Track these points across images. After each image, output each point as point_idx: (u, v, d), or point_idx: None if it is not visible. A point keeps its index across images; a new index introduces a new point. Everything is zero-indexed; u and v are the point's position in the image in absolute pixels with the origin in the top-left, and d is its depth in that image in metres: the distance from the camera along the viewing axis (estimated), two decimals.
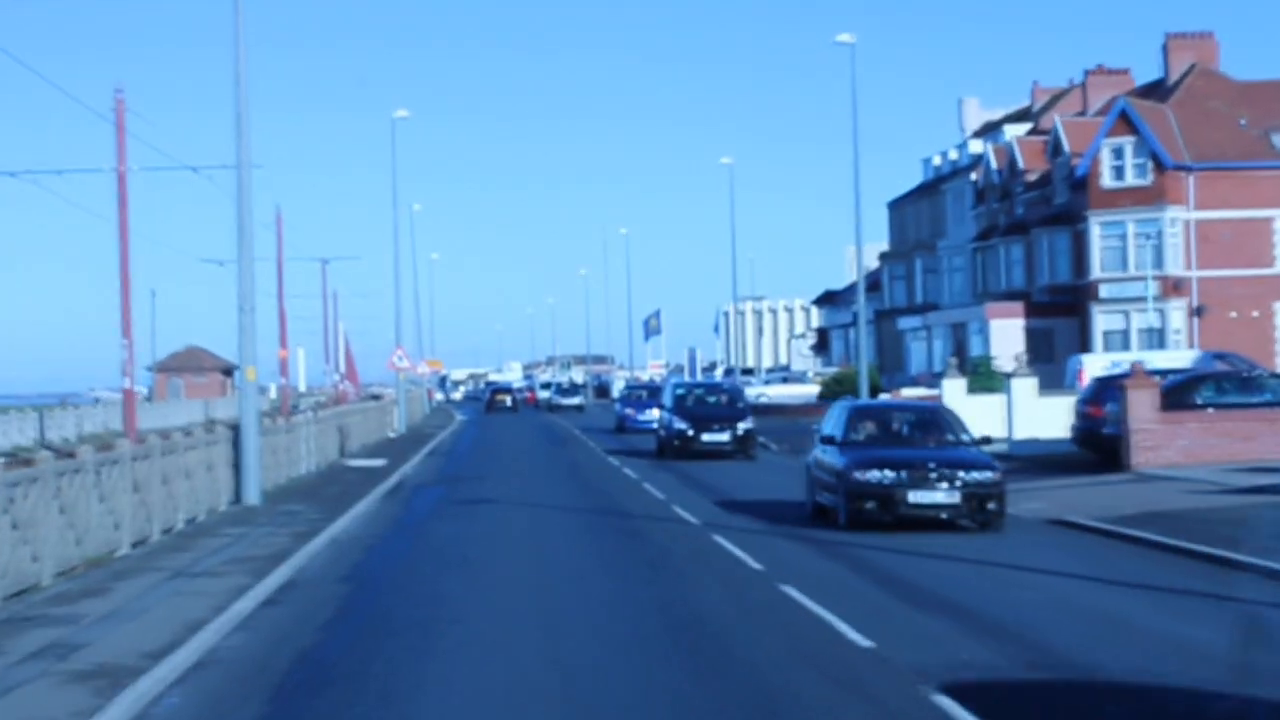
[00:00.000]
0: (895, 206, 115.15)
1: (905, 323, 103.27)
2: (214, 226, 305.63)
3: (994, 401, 52.76)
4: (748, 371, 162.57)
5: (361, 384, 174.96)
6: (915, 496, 26.13)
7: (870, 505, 26.35)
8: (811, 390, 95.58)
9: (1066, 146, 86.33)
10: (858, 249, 62.19)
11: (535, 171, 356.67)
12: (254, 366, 34.12)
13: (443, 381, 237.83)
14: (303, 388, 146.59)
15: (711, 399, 52.77)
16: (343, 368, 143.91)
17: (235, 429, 33.89)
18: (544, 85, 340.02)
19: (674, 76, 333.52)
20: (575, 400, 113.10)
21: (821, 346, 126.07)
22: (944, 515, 26.16)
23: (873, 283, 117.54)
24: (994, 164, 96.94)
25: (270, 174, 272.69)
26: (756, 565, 22.58)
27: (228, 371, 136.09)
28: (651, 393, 70.69)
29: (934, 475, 26.18)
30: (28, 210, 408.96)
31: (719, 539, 26.26)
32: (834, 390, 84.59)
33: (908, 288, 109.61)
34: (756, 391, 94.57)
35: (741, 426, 50.46)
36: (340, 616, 19.13)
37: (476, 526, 30.05)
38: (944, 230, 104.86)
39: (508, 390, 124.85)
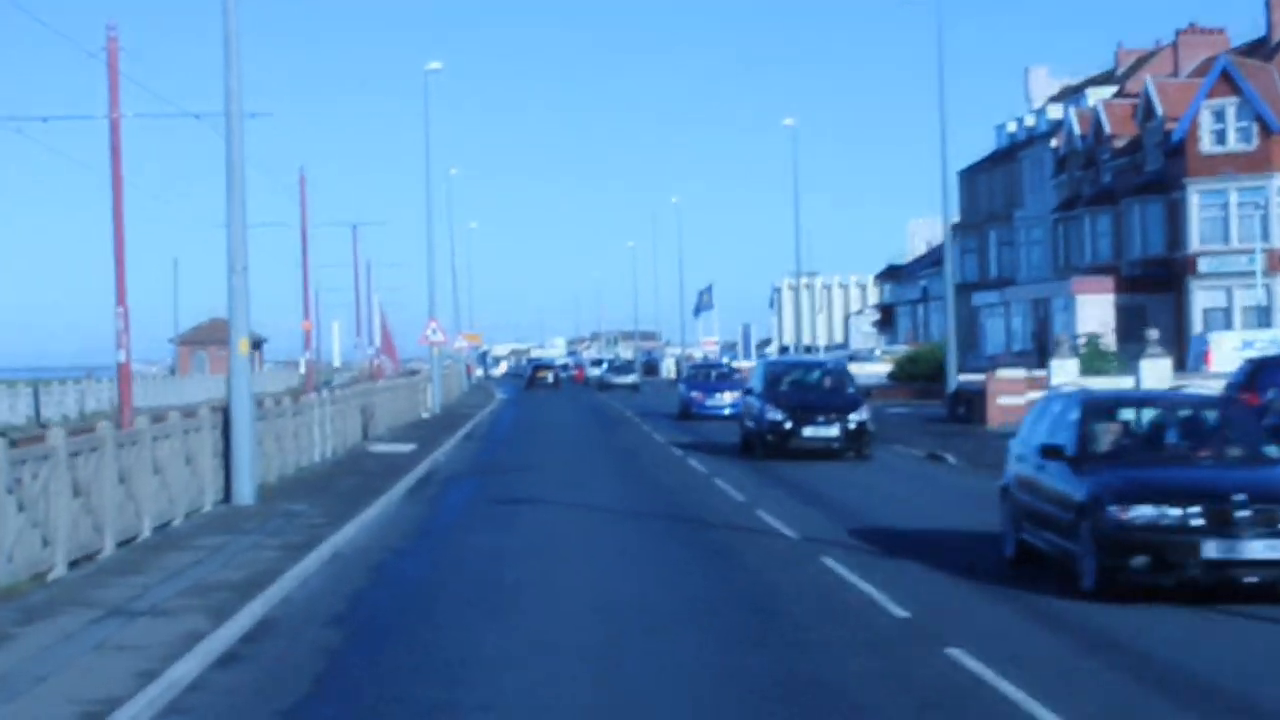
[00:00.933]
0: (966, 176, 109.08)
1: (980, 298, 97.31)
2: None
3: (1110, 386, 46.83)
4: (807, 349, 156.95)
5: (400, 360, 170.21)
6: (1218, 550, 16.90)
7: (1141, 561, 17.05)
8: (880, 370, 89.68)
9: (1160, 109, 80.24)
10: (944, 216, 56.33)
11: (582, 138, 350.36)
12: (246, 338, 28.63)
13: (483, 357, 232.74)
14: (337, 363, 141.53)
15: (814, 383, 43.21)
16: (378, 342, 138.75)
17: (225, 412, 28.30)
18: (591, 43, 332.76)
19: (728, 36, 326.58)
20: (629, 379, 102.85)
21: (885, 323, 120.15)
22: (1266, 577, 17.07)
23: (940, 257, 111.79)
24: (1077, 129, 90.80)
25: (295, 133, 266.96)
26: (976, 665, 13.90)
27: (256, 344, 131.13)
28: (722, 374, 63.43)
29: (1247, 514, 16.99)
30: (30, 164, 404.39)
31: (866, 589, 18.38)
32: (908, 370, 78.76)
33: (980, 261, 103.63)
34: None
35: (854, 418, 40.20)
36: (317, 692, 13.47)
37: (517, 537, 24.35)
38: (1021, 200, 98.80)
39: (549, 366, 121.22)
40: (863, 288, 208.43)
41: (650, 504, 29.40)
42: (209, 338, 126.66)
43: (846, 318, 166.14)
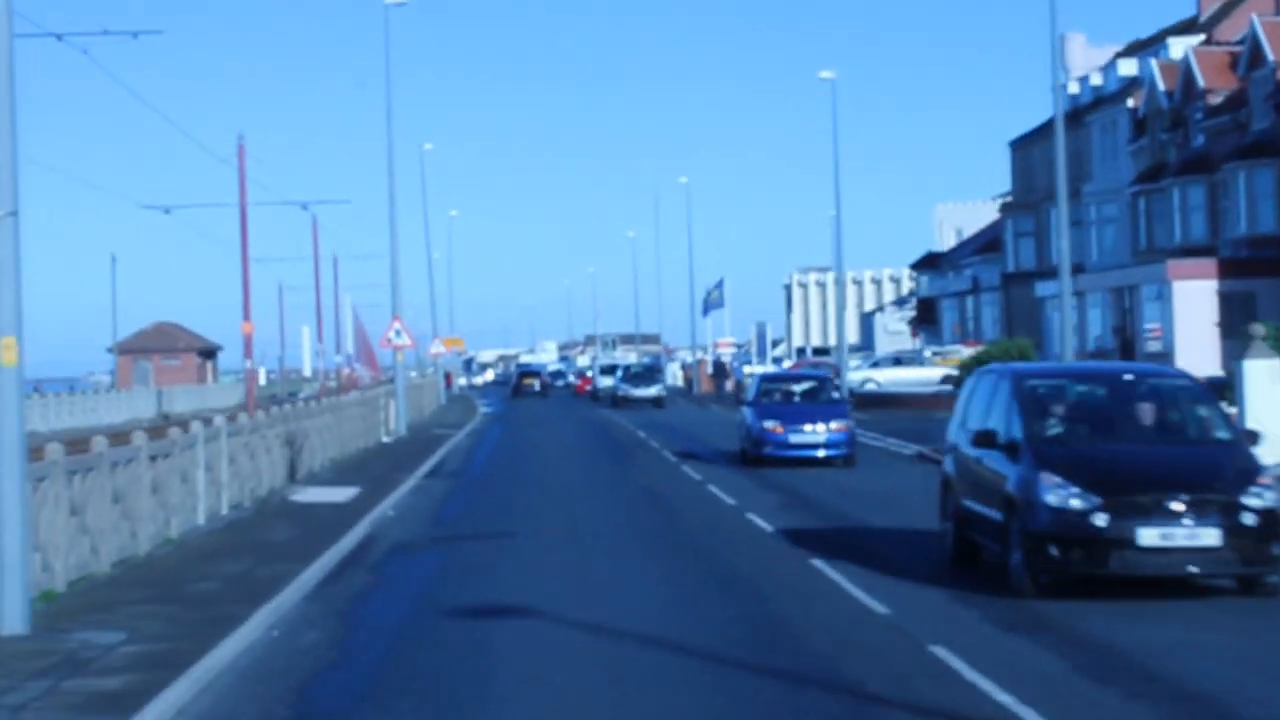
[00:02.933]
0: (1019, 147, 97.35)
1: (1045, 288, 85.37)
2: (168, 170, 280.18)
3: None
4: (822, 351, 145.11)
5: (383, 368, 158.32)
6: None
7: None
8: (932, 375, 78.04)
9: (1270, 55, 68.49)
10: (1060, 185, 44.59)
11: (573, 118, 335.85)
12: (14, 338, 16.61)
13: (468, 364, 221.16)
14: (307, 372, 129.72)
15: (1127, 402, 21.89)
16: (350, 348, 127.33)
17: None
18: (582, 8, 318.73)
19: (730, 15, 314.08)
20: (652, 390, 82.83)
21: (924, 320, 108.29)
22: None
23: (989, 241, 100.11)
24: (1161, 85, 78.89)
25: (236, 101, 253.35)
26: None
27: (207, 353, 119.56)
28: (809, 393, 41.78)
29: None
30: None
31: None
32: None
33: (1038, 246, 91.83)
34: (862, 376, 77.08)
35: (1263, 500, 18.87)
36: None
37: None
38: (1089, 172, 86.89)
39: (536, 373, 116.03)
40: (878, 283, 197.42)
41: (737, 645, 16.73)
42: (155, 345, 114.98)
43: (871, 314, 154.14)
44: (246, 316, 65.60)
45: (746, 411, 40.64)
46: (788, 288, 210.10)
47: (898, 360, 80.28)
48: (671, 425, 59.94)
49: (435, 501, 32.88)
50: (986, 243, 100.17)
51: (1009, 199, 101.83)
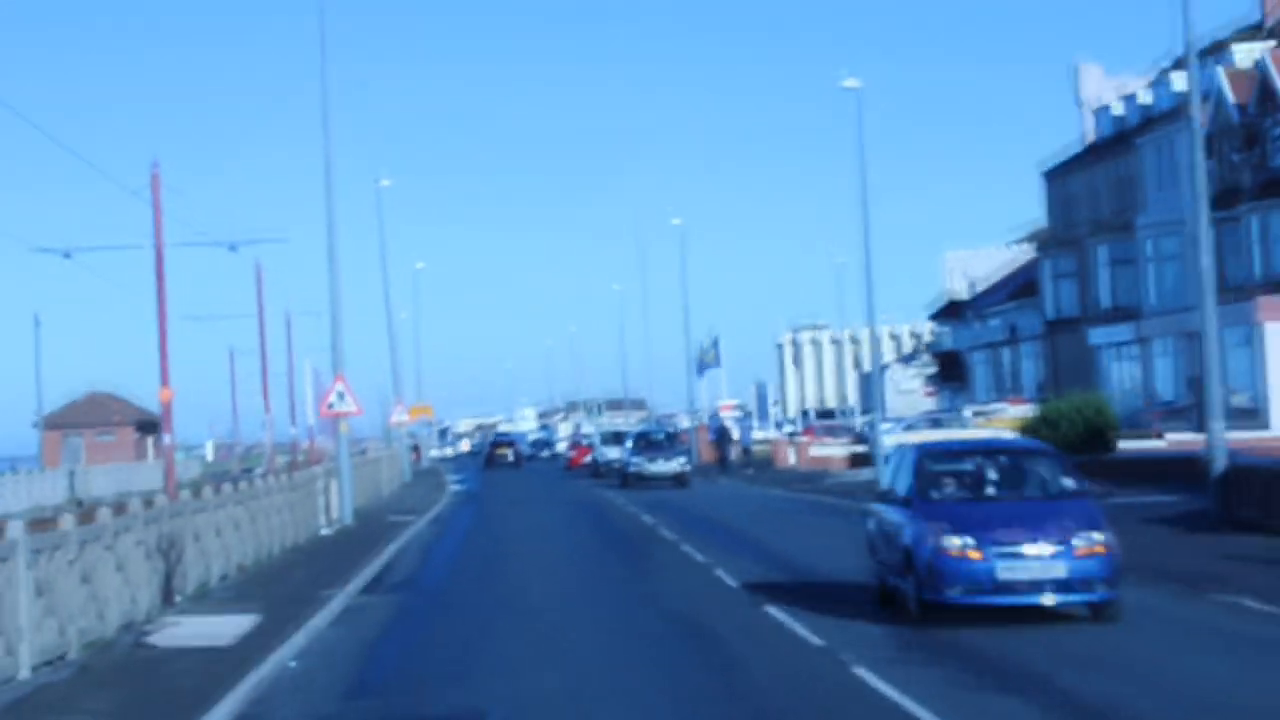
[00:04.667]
0: (1055, 177, 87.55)
1: (1101, 335, 75.62)
2: (73, 205, 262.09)
3: None
4: (826, 414, 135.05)
5: (355, 440, 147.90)
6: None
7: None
8: (972, 437, 67.83)
9: None
10: (1194, 169, 34.75)
11: (549, 161, 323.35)
12: None
13: (443, 434, 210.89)
14: (269, 445, 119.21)
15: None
16: (312, 418, 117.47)
17: None
18: (560, 33, 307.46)
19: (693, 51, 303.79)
20: (673, 465, 65.33)
21: (947, 376, 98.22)
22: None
23: (1023, 285, 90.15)
24: (1231, 97, 69.05)
25: (154, 124, 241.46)
26: None
27: (147, 426, 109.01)
28: (1011, 476, 22.33)
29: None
30: None
31: None
32: (1045, 437, 56.66)
33: (1082, 288, 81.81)
34: (896, 441, 66.80)
35: None
36: None
37: None
38: (1142, 202, 76.90)
39: (509, 443, 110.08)
40: (877, 340, 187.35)
41: None
42: (86, 419, 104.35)
43: (873, 373, 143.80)
44: (164, 381, 55.40)
45: (893, 514, 22.64)
46: (780, 347, 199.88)
47: (935, 422, 70.14)
48: (696, 511, 47.46)
49: (366, 639, 22.56)
50: (1019, 287, 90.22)
51: (1043, 236, 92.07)
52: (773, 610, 22.63)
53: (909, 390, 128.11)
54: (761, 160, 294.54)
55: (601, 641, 21.11)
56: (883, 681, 16.98)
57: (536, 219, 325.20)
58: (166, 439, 56.02)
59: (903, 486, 22.42)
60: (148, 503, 25.97)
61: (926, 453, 23.16)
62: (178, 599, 26.02)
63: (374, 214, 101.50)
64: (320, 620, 24.07)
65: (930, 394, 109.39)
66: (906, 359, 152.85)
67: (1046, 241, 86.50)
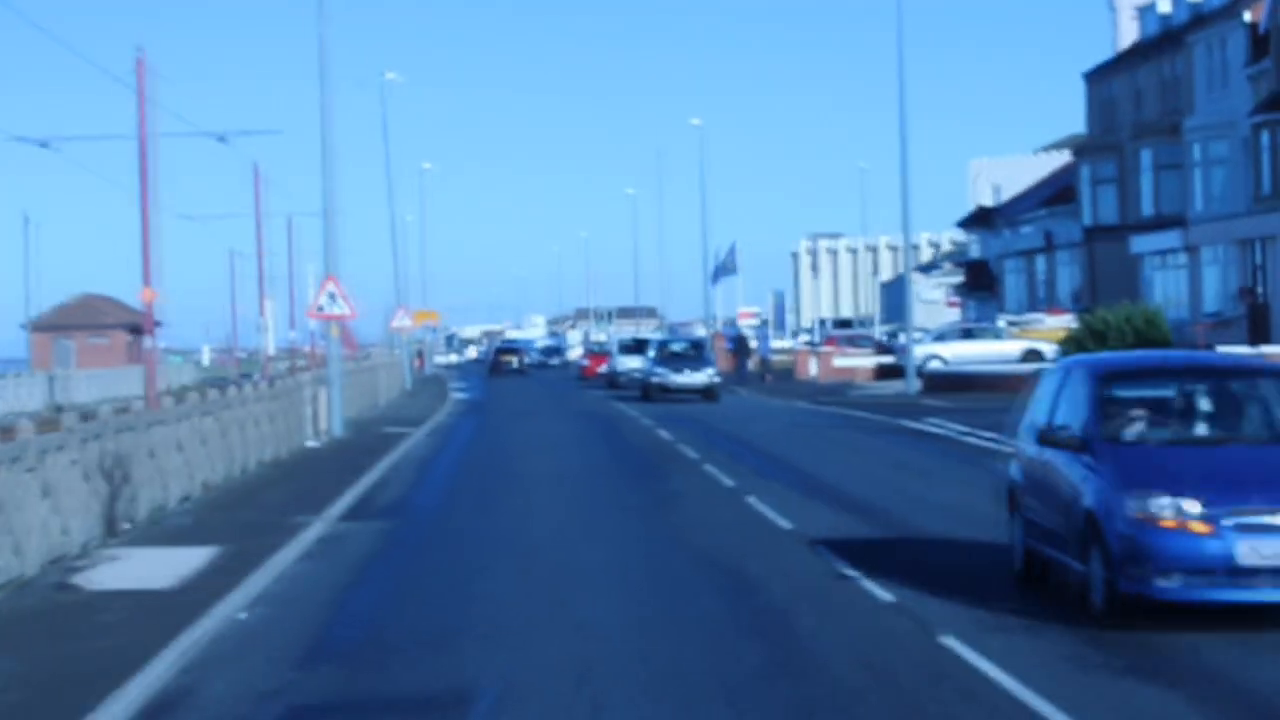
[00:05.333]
0: (1096, 79, 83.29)
1: (1144, 243, 71.75)
2: (57, 94, 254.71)
3: None
4: (844, 324, 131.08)
5: (360, 345, 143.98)
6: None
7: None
8: (1009, 349, 64.27)
9: None
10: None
11: (561, 64, 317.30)
12: None
13: (450, 340, 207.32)
14: (271, 350, 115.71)
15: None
16: (314, 323, 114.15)
17: None
18: None
19: None
20: (700, 377, 58.90)
21: (976, 286, 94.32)
22: None
23: (1058, 192, 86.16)
24: None
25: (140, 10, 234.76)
26: None
27: (137, 329, 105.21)
28: (1230, 400, 16.15)
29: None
30: None
31: None
32: (1091, 350, 52.92)
33: (1123, 195, 77.83)
34: (925, 352, 63.25)
35: None
36: None
37: None
38: (1190, 104, 72.79)
39: (514, 350, 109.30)
40: (895, 249, 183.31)
41: None
42: (78, 320, 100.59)
43: (895, 282, 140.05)
44: (147, 280, 51.87)
45: (1058, 461, 16.24)
46: (796, 256, 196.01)
47: (968, 333, 66.37)
48: (719, 427, 43.37)
49: (338, 581, 18.93)
50: (1053, 194, 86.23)
51: (1079, 141, 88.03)
52: (842, 567, 18.38)
53: (931, 300, 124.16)
54: (780, 65, 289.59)
55: (618, 595, 17.38)
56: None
57: (548, 119, 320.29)
58: (148, 343, 52.69)
59: (1073, 420, 15.91)
60: (86, 416, 22.30)
61: (1107, 372, 16.46)
62: (125, 527, 22.42)
63: (379, 110, 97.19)
64: (288, 554, 20.47)
65: (954, 304, 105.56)
66: (927, 268, 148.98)
67: (1085, 146, 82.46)
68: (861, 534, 21.13)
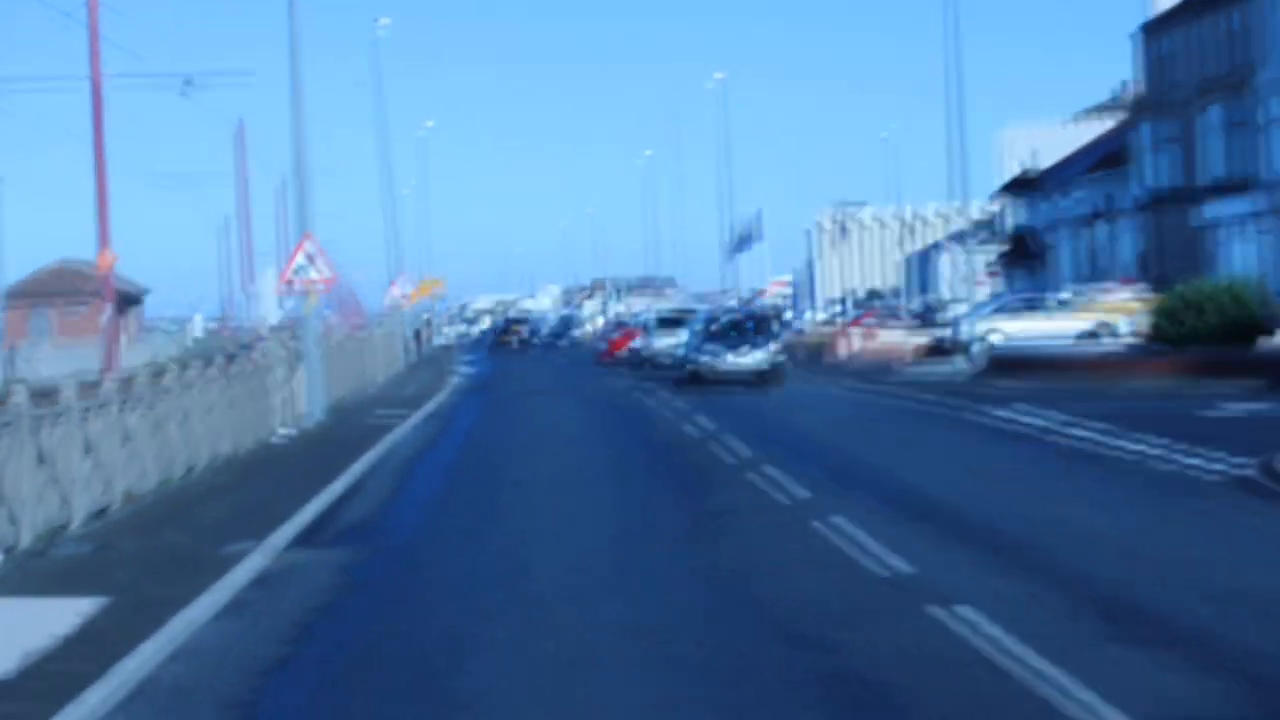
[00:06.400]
0: (1153, 32, 77.36)
1: (1217, 209, 65.91)
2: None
3: None
4: (874, 296, 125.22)
5: (369, 317, 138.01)
6: None
7: None
8: (1074, 325, 58.46)
9: None
10: None
11: (570, 22, 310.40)
12: None
13: (461, 312, 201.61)
14: (272, 320, 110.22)
15: None
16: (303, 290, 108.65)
17: None
18: None
19: None
20: (756, 357, 48.43)
21: (1019, 255, 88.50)
22: None
23: (1109, 155, 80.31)
24: None
25: None
26: None
27: (125, 300, 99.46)
28: None
29: None
30: None
31: None
32: (1170, 330, 46.95)
33: (1186, 156, 72.00)
34: (985, 328, 57.34)
35: None
36: None
37: None
38: (1261, 55, 66.84)
39: (522, 322, 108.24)
40: (923, 220, 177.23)
41: None
42: (56, 288, 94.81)
43: (926, 253, 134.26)
44: (103, 242, 46.49)
45: None
46: (813, 229, 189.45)
47: (1029, 306, 60.39)
48: (764, 415, 36.99)
49: (258, 659, 13.09)
50: (1102, 158, 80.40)
51: (1128, 101, 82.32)
52: (1037, 661, 11.99)
53: (963, 273, 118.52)
54: (799, 24, 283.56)
55: (656, 690, 11.61)
56: None
57: (557, 81, 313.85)
58: (106, 313, 47.10)
59: None
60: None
61: None
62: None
63: (372, 63, 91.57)
64: (202, 609, 14.78)
65: (993, 275, 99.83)
66: (958, 239, 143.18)
67: (1143, 105, 76.57)
68: (1011, 584, 15.16)
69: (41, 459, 18.67)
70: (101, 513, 20.70)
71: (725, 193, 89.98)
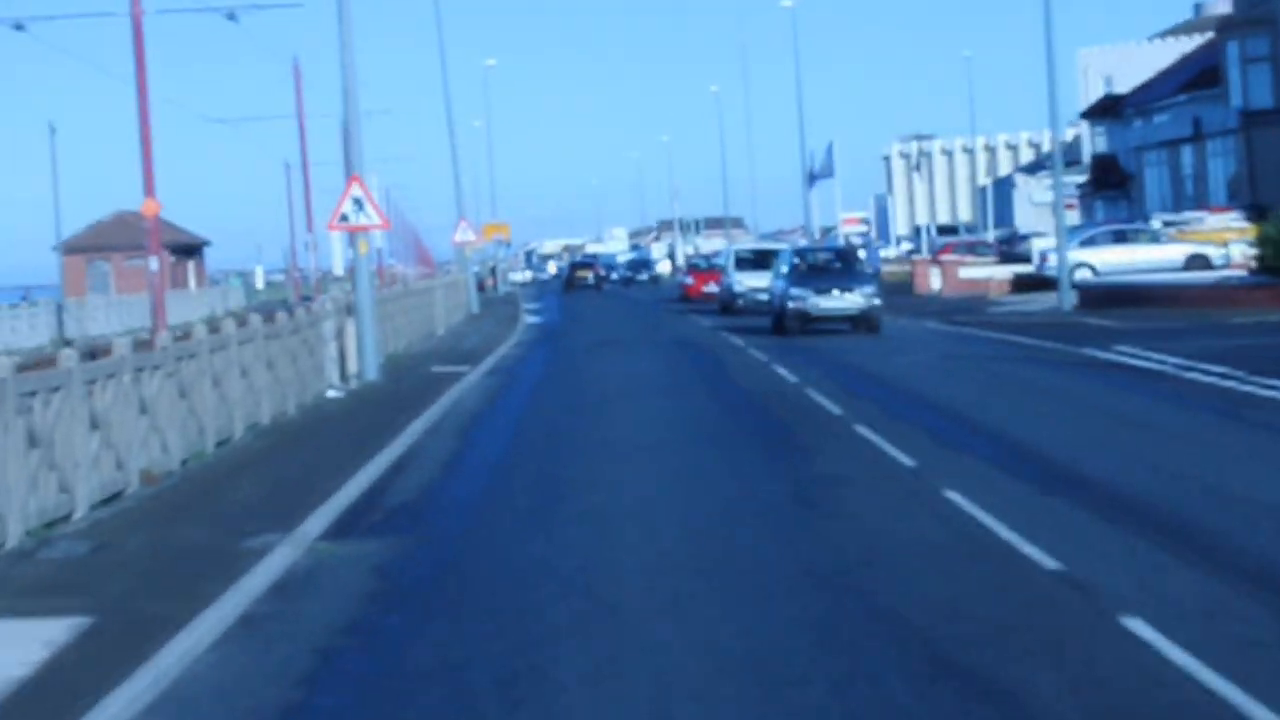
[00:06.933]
0: None
1: None
2: None
3: None
4: (948, 230, 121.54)
5: (437, 264, 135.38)
6: None
7: None
8: (1168, 254, 55.23)
9: None
10: None
11: None
12: None
13: (529, 257, 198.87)
14: (339, 271, 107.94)
15: None
16: (380, 240, 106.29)
17: None
18: None
19: None
20: (854, 299, 43.33)
21: (1104, 184, 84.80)
22: None
23: (1200, 74, 76.45)
24: None
25: None
26: None
27: (187, 250, 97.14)
28: None
29: None
30: None
31: None
32: None
33: (1277, 74, 68.32)
34: (1077, 258, 54.03)
35: None
36: None
37: None
38: None
39: (589, 265, 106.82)
40: (992, 150, 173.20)
41: None
42: (113, 241, 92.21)
43: (1002, 182, 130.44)
44: (149, 190, 43.91)
45: None
46: (888, 159, 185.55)
47: (1120, 236, 57.07)
48: (863, 366, 33.00)
49: (262, 708, 10.27)
50: (1192, 77, 76.58)
51: (1209, 21, 78.56)
52: None
53: (1045, 202, 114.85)
54: None
55: None
56: None
57: (618, 12, 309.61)
58: (154, 264, 44.36)
59: None
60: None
61: None
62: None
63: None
64: (202, 633, 11.90)
65: (1069, 207, 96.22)
66: (1032, 168, 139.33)
67: (1230, 23, 72.75)
68: (1215, 598, 12.08)
69: (33, 440, 15.81)
70: (113, 499, 17.87)
71: (801, 120, 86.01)
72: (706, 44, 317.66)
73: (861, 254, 69.80)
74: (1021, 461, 18.45)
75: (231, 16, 45.53)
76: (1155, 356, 30.43)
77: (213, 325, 24.23)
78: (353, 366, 32.77)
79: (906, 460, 18.80)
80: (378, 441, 22.51)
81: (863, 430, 21.67)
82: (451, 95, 73.31)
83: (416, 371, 35.33)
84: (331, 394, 29.98)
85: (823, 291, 43.43)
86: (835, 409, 24.51)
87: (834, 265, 46.16)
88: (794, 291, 43.58)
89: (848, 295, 43.21)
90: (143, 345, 20.90)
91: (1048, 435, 20.57)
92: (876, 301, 43.36)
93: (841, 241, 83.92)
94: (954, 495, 16.08)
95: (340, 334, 32.45)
